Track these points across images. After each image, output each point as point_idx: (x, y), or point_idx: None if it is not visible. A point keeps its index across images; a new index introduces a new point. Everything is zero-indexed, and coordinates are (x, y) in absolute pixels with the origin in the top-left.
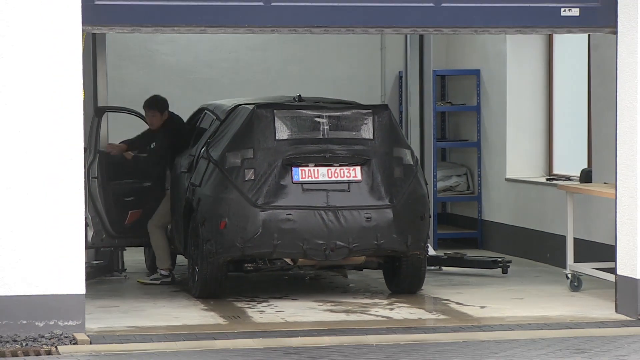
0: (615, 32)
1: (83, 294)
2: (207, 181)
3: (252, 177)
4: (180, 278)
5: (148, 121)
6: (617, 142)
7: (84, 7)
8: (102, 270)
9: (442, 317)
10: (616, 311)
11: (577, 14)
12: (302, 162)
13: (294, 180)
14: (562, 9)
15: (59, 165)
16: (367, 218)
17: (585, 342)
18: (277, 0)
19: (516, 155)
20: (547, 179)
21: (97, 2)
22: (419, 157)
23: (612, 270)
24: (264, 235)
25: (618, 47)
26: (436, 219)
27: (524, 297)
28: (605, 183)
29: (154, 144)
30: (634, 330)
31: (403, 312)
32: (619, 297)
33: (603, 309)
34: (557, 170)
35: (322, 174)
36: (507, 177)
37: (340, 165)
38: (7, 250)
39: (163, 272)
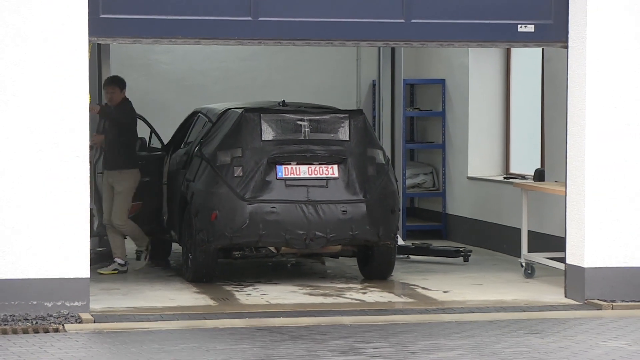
0: (566, 47)
1: (87, 278)
2: (200, 177)
3: (241, 174)
4: (175, 264)
5: (108, 97)
6: (567, 145)
7: (90, 20)
8: (105, 256)
9: (409, 300)
10: (565, 296)
11: (532, 30)
12: (285, 160)
13: (277, 176)
14: (519, 26)
15: (67, 162)
16: (343, 211)
17: (537, 324)
18: (264, 16)
19: (477, 156)
20: (505, 178)
21: (102, 16)
22: (390, 157)
23: (562, 260)
24: (250, 226)
25: (568, 60)
26: (405, 213)
27: (483, 283)
28: (556, 181)
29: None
30: (581, 313)
31: (375, 295)
32: (567, 284)
33: (554, 294)
34: (513, 170)
35: (303, 171)
36: (469, 175)
37: (320, 164)
38: (21, 238)
39: (120, 261)
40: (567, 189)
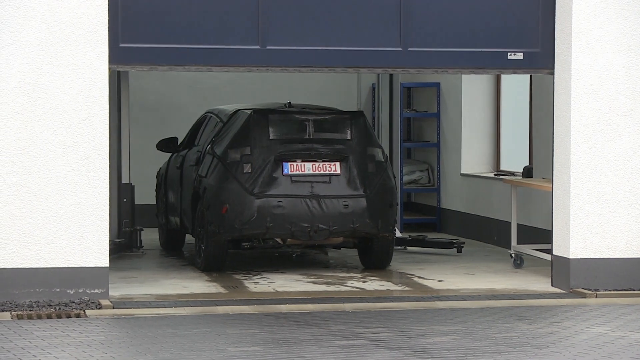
0: (552, 73)
1: (107, 267)
2: (211, 173)
3: (249, 170)
4: (188, 254)
5: None
6: (554, 144)
7: (110, 49)
8: (123, 247)
9: (406, 288)
10: (552, 285)
11: (521, 57)
12: (291, 158)
13: (284, 173)
14: (509, 54)
15: (88, 159)
16: (345, 205)
17: (526, 311)
18: (271, 45)
19: (469, 154)
20: (495, 174)
21: (121, 45)
22: (388, 155)
23: (549, 251)
24: (258, 219)
25: (555, 78)
26: (402, 207)
27: (475, 273)
28: (543, 178)
29: None
30: (566, 301)
31: (374, 284)
32: (554, 274)
33: (541, 283)
34: (503, 167)
35: (307, 168)
36: (462, 172)
37: (323, 161)
38: (46, 229)
39: None
40: (554, 185)
